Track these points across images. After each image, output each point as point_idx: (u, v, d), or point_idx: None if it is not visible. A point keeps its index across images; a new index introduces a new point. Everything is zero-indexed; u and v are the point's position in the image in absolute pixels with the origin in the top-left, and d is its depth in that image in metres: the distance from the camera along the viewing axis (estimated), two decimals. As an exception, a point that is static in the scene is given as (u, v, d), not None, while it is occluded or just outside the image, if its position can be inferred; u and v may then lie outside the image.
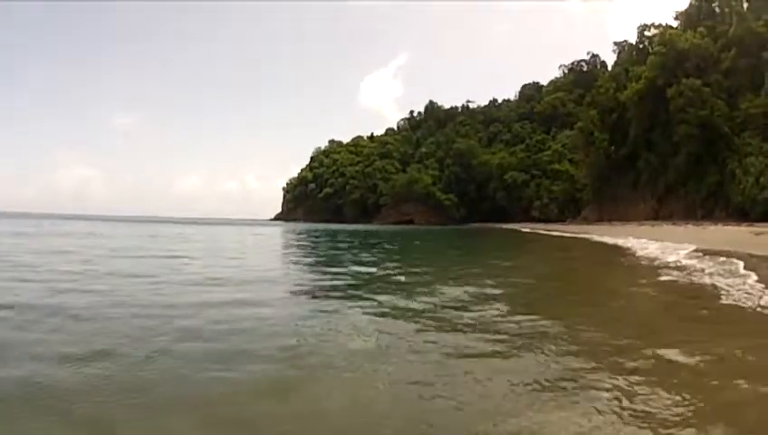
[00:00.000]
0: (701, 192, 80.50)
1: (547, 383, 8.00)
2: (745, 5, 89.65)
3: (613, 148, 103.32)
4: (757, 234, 41.50)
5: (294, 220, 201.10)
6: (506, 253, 44.32)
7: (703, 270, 23.28)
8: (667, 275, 22.43)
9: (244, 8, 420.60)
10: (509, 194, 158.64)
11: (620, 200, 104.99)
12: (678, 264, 27.10)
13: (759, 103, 73.16)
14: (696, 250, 33.83)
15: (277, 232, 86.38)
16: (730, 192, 72.57)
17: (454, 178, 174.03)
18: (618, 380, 8.12)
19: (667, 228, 64.68)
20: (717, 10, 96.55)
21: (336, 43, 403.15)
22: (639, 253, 37.42)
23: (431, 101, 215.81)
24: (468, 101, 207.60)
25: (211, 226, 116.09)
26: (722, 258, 26.86)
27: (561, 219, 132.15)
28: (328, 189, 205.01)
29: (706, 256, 29.01)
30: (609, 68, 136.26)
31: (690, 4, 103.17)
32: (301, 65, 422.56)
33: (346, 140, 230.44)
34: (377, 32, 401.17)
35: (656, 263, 28.63)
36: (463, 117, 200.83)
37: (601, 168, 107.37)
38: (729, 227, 54.63)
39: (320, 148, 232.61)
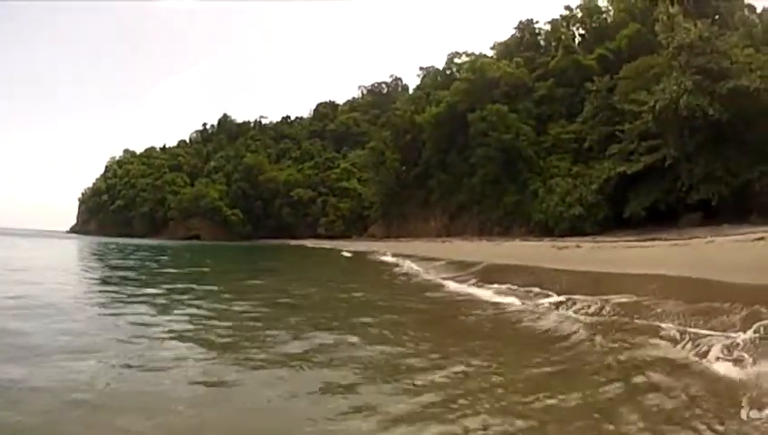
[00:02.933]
0: (498, 210, 74.55)
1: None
2: (578, 40, 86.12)
3: (404, 168, 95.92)
4: (560, 248, 40.01)
5: (87, 233, 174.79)
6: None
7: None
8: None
9: (37, 6, 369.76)
10: (295, 211, 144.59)
11: (410, 218, 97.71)
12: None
13: (572, 129, 69.53)
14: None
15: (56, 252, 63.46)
16: (531, 210, 67.49)
17: (241, 194, 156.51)
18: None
19: (458, 244, 62.03)
20: (543, 43, 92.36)
21: (136, 46, 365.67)
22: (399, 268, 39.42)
23: (225, 115, 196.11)
24: (261, 117, 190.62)
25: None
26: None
27: (346, 236, 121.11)
28: (120, 202, 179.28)
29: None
30: (411, 91, 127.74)
31: (511, 36, 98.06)
32: (99, 69, 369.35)
33: (140, 149, 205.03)
34: (176, 38, 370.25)
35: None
36: (254, 132, 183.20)
37: (391, 186, 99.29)
38: (529, 243, 52.07)
39: (114, 157, 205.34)
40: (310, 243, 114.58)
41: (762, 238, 28.31)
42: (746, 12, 64.76)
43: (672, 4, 58.29)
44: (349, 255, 66.45)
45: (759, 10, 65.81)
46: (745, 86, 44.14)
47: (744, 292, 13.73)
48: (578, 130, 68.25)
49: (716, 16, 61.12)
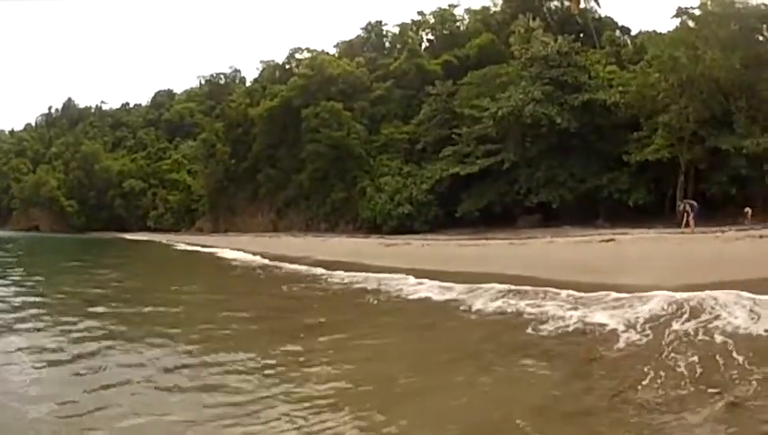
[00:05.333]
0: (325, 206, 65.32)
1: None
2: (425, 45, 78.04)
3: (234, 161, 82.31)
4: (388, 245, 38.62)
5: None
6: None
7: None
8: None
9: None
10: (127, 202, 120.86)
11: (238, 212, 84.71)
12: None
13: (406, 130, 62.36)
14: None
15: None
16: (359, 208, 60.17)
17: (77, 183, 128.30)
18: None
19: (285, 239, 56.70)
20: (388, 45, 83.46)
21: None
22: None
23: (69, 99, 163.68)
24: (102, 102, 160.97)
25: None
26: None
27: (175, 229, 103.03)
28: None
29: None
30: (249, 84, 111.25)
31: (357, 36, 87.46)
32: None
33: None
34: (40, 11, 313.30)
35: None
36: (94, 118, 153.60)
37: (220, 180, 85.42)
38: (357, 239, 49.22)
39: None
40: (141, 236, 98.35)
41: (611, 240, 27.21)
42: (618, 33, 60.35)
43: (534, 19, 56.38)
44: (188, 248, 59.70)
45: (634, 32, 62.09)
46: (602, 100, 41.57)
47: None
48: (412, 131, 61.10)
49: (581, 34, 56.37)
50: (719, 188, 35.20)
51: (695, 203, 32.01)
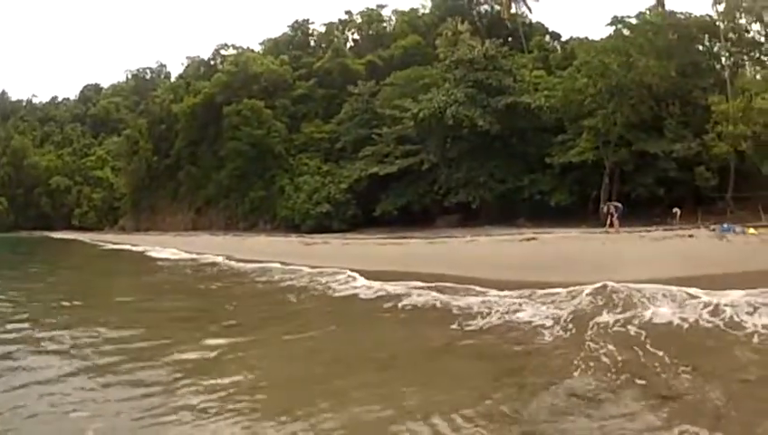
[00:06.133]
0: (244, 205, 60.86)
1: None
2: (350, 44, 73.91)
3: (156, 158, 76.17)
4: (308, 244, 37.42)
5: None
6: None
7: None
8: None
9: None
10: (53, 201, 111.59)
11: (159, 211, 78.34)
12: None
13: (326, 129, 59.12)
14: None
15: None
16: (277, 206, 56.32)
17: (7, 180, 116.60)
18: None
19: (205, 238, 53.50)
20: (313, 43, 78.35)
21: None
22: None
23: (3, 91, 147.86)
24: (33, 96, 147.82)
25: None
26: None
27: (99, 228, 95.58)
28: None
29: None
30: (174, 79, 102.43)
31: (283, 34, 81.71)
32: None
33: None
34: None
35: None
36: (25, 112, 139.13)
37: (142, 177, 79.12)
38: (276, 238, 46.55)
39: None
40: (67, 235, 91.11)
41: (534, 238, 26.24)
42: (548, 38, 58.28)
43: (462, 22, 54.10)
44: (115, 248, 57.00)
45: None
46: (526, 103, 39.41)
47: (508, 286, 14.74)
48: (332, 130, 57.85)
49: (510, 38, 53.78)
50: (645, 189, 33.40)
51: (619, 205, 30.43)
